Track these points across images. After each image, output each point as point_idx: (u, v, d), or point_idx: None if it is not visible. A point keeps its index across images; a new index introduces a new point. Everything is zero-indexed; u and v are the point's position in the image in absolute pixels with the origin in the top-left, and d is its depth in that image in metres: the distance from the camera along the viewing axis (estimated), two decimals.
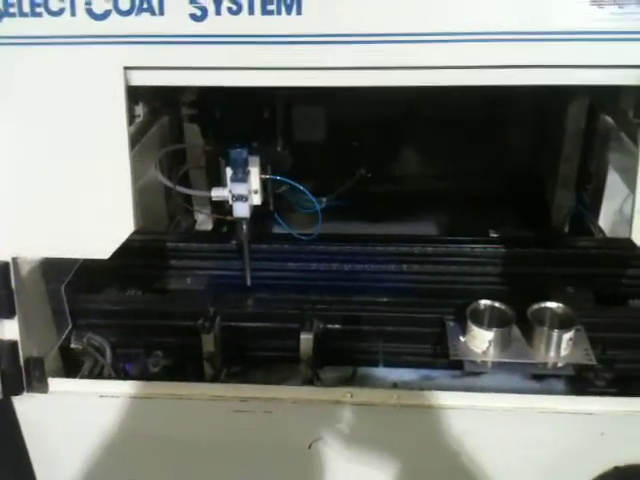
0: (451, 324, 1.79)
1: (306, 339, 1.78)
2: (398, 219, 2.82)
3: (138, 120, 1.82)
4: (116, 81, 1.40)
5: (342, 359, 1.89)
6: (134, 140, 2.01)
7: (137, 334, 1.92)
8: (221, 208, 2.12)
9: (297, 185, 1.94)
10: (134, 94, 1.52)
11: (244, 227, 1.94)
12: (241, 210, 1.87)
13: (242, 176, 1.81)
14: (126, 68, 1.40)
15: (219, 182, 1.95)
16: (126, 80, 1.41)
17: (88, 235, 1.49)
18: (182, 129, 2.49)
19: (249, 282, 2.03)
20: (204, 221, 2.70)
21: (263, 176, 1.89)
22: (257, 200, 1.89)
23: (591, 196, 2.53)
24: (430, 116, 2.61)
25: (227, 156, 1.81)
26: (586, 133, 2.48)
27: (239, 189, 1.82)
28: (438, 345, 1.85)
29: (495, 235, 2.20)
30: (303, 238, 2.08)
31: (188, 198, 2.67)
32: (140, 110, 1.75)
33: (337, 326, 1.86)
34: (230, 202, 1.86)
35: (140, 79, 1.42)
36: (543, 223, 2.66)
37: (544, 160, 2.72)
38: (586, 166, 2.53)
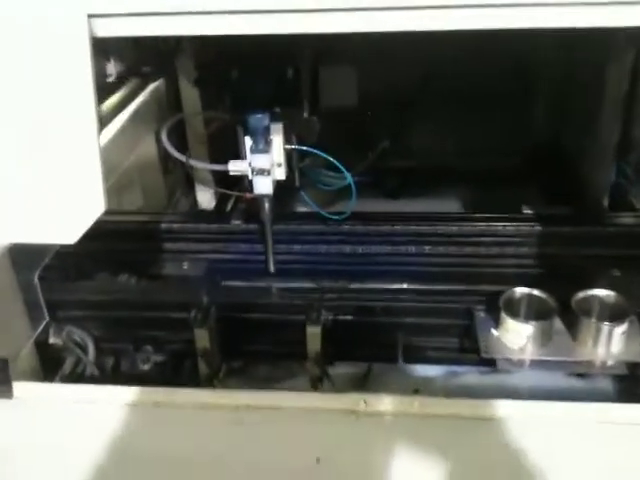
0: (481, 315, 1.55)
1: (313, 333, 1.55)
2: (417, 196, 2.60)
3: (111, 79, 1.55)
4: (79, 32, 1.16)
5: (355, 355, 1.67)
6: (119, 108, 1.79)
7: (124, 327, 1.71)
8: (230, 184, 1.90)
9: (329, 158, 1.68)
10: (104, 49, 1.27)
11: (266, 205, 1.71)
12: (263, 186, 1.63)
13: (263, 147, 1.57)
14: (90, 16, 1.16)
15: (222, 157, 1.72)
16: (91, 31, 1.17)
17: (51, 217, 1.25)
18: (179, 95, 2.25)
19: (272, 268, 1.79)
20: (206, 199, 2.46)
21: (287, 146, 1.64)
22: (281, 174, 1.65)
23: (634, 167, 2.24)
24: (448, 87, 2.42)
25: (246, 124, 1.57)
26: (630, 95, 2.19)
27: (260, 161, 1.58)
28: (465, 339, 1.61)
29: (529, 212, 1.94)
30: (335, 217, 1.82)
31: (188, 175, 2.46)
32: (112, 69, 1.50)
33: (349, 317, 1.62)
34: (250, 177, 1.62)
35: (108, 29, 1.17)
36: (577, 200, 2.37)
37: (575, 129, 2.47)
38: (629, 133, 2.25)
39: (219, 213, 2.17)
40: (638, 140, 2.22)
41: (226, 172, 1.66)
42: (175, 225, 1.94)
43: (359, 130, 2.15)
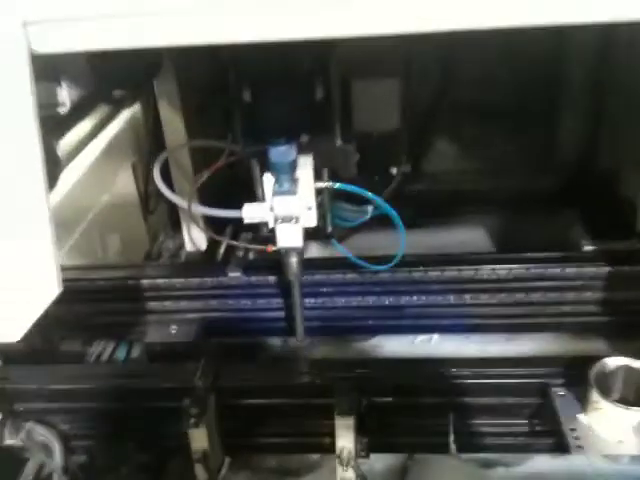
0: (561, 393, 1.19)
1: (345, 425, 1.19)
2: (437, 225, 2.26)
3: (64, 110, 1.18)
4: (12, 46, 0.81)
5: (394, 444, 1.31)
6: (85, 142, 1.44)
7: (98, 420, 1.34)
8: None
9: (374, 197, 1.33)
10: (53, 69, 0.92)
11: (294, 260, 1.35)
12: (289, 236, 1.28)
13: (290, 187, 1.22)
14: (26, 24, 0.82)
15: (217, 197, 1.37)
16: (29, 44, 0.82)
17: None
18: (159, 122, 1.90)
19: (300, 338, 1.45)
20: (196, 241, 2.10)
21: (319, 184, 1.29)
22: (312, 220, 1.28)
23: None
24: (468, 101, 2.14)
25: (264, 158, 1.23)
26: None
27: (286, 206, 1.22)
28: (534, 419, 1.26)
29: (590, 248, 1.59)
30: (378, 267, 1.49)
31: (173, 214, 2.11)
32: (65, 96, 1.14)
33: (387, 399, 1.27)
34: (271, 225, 1.27)
35: (50, 41, 0.83)
36: (623, 227, 2.02)
37: (616, 145, 2.13)
38: None
39: (211, 260, 1.81)
40: None
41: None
42: (160, 280, 1.59)
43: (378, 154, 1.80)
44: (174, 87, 1.83)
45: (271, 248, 1.31)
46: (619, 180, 2.14)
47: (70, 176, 1.60)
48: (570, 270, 1.51)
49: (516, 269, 1.52)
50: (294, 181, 1.21)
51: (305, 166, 1.24)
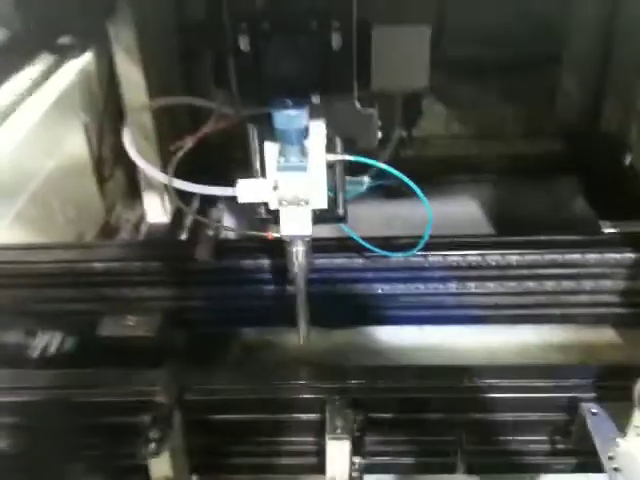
0: (594, 410, 1.00)
1: (336, 448, 0.99)
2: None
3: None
4: None
5: (393, 465, 1.12)
6: (24, 96, 1.19)
7: (38, 437, 1.11)
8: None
9: (398, 174, 1.08)
10: None
11: (300, 251, 1.10)
12: (297, 222, 1.04)
13: (298, 159, 0.98)
14: None
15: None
16: None
17: None
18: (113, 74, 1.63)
19: (303, 340, 1.21)
20: (157, 212, 1.86)
21: (332, 157, 1.05)
22: (322, 201, 1.05)
23: None
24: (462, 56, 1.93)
25: (265, 124, 0.99)
26: None
27: (294, 184, 0.98)
28: (559, 435, 1.08)
29: (612, 230, 1.40)
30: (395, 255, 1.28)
31: (132, 180, 1.86)
32: None
33: (385, 415, 1.06)
34: (274, 206, 1.03)
35: None
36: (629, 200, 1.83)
37: (622, 109, 1.93)
38: None
39: (176, 239, 1.57)
40: None
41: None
42: (116, 264, 1.35)
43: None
44: (132, 33, 1.56)
45: (272, 235, 1.08)
46: (624, 147, 1.95)
47: (8, 138, 1.35)
48: (591, 256, 1.31)
49: (528, 254, 1.32)
50: (303, 153, 0.97)
51: (316, 135, 0.99)
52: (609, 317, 1.39)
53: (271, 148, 0.99)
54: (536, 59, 2.03)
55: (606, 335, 1.46)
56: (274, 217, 1.04)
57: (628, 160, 1.94)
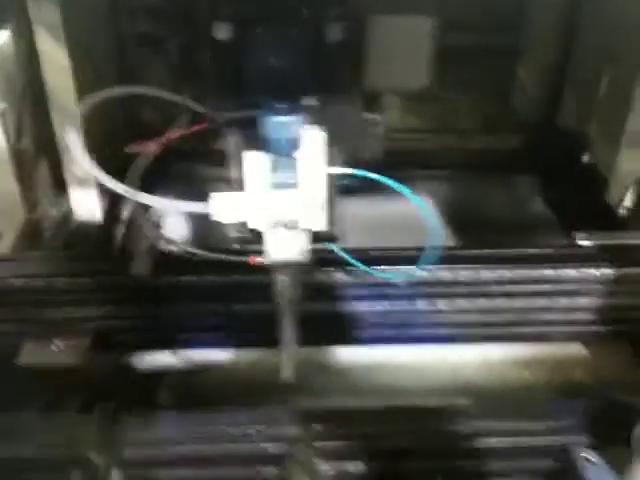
0: (590, 459, 0.90)
1: None
2: (379, 192, 1.92)
3: None
4: None
5: None
6: None
7: None
8: None
9: (407, 192, 0.94)
10: None
11: (289, 280, 0.93)
12: (288, 246, 0.88)
13: (292, 173, 0.82)
14: None
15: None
16: None
17: None
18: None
19: (289, 374, 1.04)
20: (86, 211, 1.66)
21: (332, 170, 0.87)
22: (320, 222, 0.88)
23: None
24: None
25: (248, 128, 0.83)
26: None
27: (287, 203, 0.83)
28: None
29: (585, 243, 1.30)
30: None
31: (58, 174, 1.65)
32: None
33: (358, 467, 0.94)
34: (257, 226, 0.87)
35: None
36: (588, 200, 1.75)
37: (581, 105, 1.84)
38: None
39: (108, 250, 1.39)
40: None
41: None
42: (38, 280, 1.17)
43: None
44: (55, 7, 1.36)
45: (256, 260, 0.91)
46: (583, 144, 1.87)
47: None
48: (566, 271, 1.21)
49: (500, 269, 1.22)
50: (296, 166, 0.81)
51: (313, 144, 0.83)
52: (581, 334, 1.31)
53: (256, 158, 0.82)
54: (493, 50, 1.93)
55: (574, 351, 1.39)
56: (255, 236, 0.88)
57: (586, 158, 1.87)
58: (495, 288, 1.24)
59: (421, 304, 1.23)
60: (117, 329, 1.20)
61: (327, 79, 0.82)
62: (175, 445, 0.90)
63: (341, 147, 0.87)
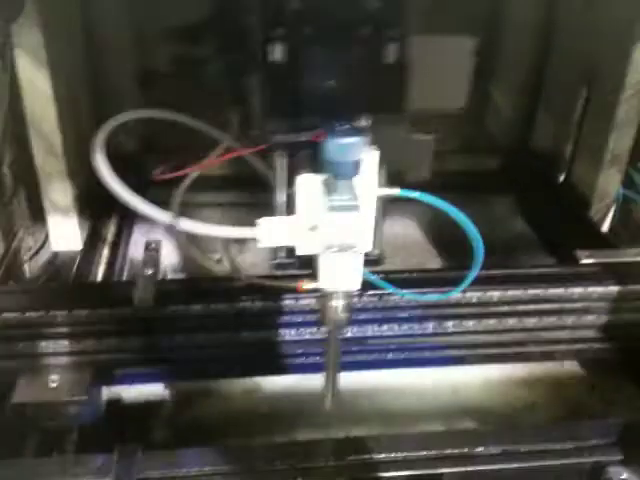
0: (622, 477, 0.89)
1: None
2: None
3: None
4: None
5: None
6: None
7: None
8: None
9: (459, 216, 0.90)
10: None
11: (341, 305, 0.87)
12: (343, 273, 0.83)
13: (349, 196, 0.77)
14: None
15: None
16: None
17: None
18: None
19: (329, 405, 0.98)
20: (65, 238, 1.59)
21: (382, 192, 0.84)
22: (368, 244, 0.83)
23: None
24: None
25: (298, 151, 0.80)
26: None
27: (345, 227, 0.78)
28: None
29: (590, 261, 1.31)
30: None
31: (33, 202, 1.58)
32: None
33: None
34: (305, 251, 0.83)
35: None
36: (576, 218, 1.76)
37: (557, 122, 1.87)
38: None
39: (106, 280, 1.33)
40: None
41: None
42: (32, 313, 1.11)
43: None
44: (38, 34, 1.32)
45: (305, 286, 0.86)
46: (558, 164, 1.89)
47: None
48: (575, 292, 1.21)
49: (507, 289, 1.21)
50: (354, 189, 0.78)
51: (369, 165, 0.80)
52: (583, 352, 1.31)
53: (310, 180, 0.79)
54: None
55: (569, 369, 1.39)
56: (298, 261, 0.84)
57: (561, 178, 1.89)
58: (502, 308, 1.22)
59: (429, 326, 1.21)
60: (116, 362, 1.14)
61: (378, 99, 0.80)
62: None
63: (386, 167, 0.85)
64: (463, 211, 2.02)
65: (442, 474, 0.90)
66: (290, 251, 0.85)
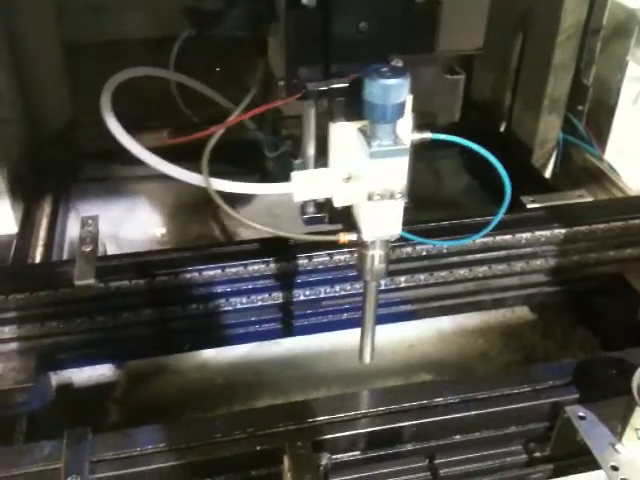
0: (580, 414, 0.90)
1: None
2: None
3: None
4: None
5: None
6: None
7: None
8: None
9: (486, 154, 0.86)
10: None
11: (379, 255, 0.85)
12: (384, 221, 0.81)
13: (392, 141, 0.74)
14: None
15: None
16: None
17: None
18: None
19: (368, 358, 0.96)
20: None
21: (416, 136, 0.80)
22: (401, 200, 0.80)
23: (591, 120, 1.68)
24: None
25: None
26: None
27: (389, 174, 0.75)
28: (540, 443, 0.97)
29: (535, 206, 1.31)
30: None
31: None
32: None
33: (354, 454, 0.89)
34: (343, 203, 0.82)
35: None
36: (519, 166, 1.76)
37: (496, 70, 1.83)
38: (579, 77, 1.69)
39: (43, 261, 1.28)
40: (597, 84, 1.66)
41: None
42: None
43: None
44: None
45: (346, 238, 0.83)
46: (498, 113, 1.89)
47: None
48: (524, 237, 1.21)
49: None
50: (396, 134, 0.74)
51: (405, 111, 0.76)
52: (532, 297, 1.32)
53: (344, 129, 0.75)
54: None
55: (521, 315, 1.40)
56: (329, 215, 0.82)
57: (502, 127, 1.89)
58: (453, 259, 1.22)
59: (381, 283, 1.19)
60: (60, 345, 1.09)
61: (409, 39, 0.78)
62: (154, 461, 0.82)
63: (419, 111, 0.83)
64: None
65: (402, 427, 0.89)
66: (319, 205, 0.83)
